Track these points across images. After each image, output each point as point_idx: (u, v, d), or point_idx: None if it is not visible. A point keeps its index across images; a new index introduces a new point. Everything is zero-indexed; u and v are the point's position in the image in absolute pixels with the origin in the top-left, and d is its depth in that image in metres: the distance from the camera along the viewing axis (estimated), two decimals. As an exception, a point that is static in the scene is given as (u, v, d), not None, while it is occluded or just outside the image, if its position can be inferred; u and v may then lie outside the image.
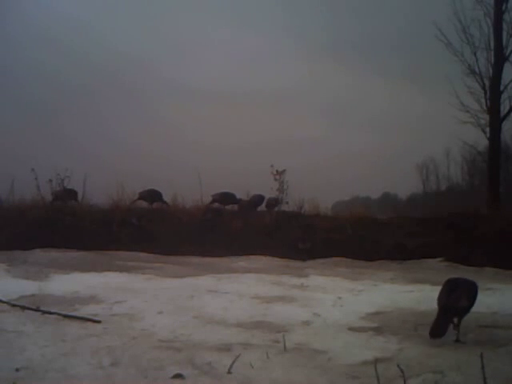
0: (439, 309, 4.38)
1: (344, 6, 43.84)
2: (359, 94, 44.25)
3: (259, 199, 12.17)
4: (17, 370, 3.52)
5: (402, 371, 3.25)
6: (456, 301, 4.33)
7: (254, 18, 45.59)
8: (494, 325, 4.98)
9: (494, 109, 14.14)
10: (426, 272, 8.78)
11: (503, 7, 14.18)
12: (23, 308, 5.24)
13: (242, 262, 9.49)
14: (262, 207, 12.17)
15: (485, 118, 14.29)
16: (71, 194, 11.93)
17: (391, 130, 43.38)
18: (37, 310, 5.14)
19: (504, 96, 14.23)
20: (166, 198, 12.14)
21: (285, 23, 46.76)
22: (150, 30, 42.24)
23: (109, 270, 7.81)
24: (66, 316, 4.97)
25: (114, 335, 4.42)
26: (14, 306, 5.34)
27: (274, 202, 11.96)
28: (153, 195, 12.00)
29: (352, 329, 4.87)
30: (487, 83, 14.30)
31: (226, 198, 12.05)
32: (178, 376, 3.51)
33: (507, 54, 14.16)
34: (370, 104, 43.36)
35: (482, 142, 15.82)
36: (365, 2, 40.49)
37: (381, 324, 5.05)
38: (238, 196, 12.14)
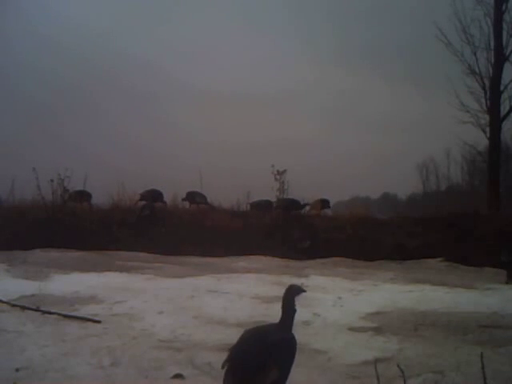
0: None
1: (344, 8, 43.94)
2: (360, 94, 44.29)
3: (268, 204, 12.05)
4: (17, 370, 3.52)
5: (402, 371, 3.24)
6: None
7: (260, 21, 45.75)
8: (494, 325, 4.98)
9: (494, 109, 14.15)
10: (426, 272, 8.78)
11: (503, 7, 14.20)
12: (23, 308, 5.24)
13: (242, 262, 9.48)
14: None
15: (485, 118, 14.31)
16: (85, 195, 12.01)
17: (391, 130, 43.43)
18: (37, 310, 5.15)
19: (504, 96, 14.27)
20: (167, 197, 12.18)
21: (288, 27, 46.85)
22: (153, 30, 42.30)
23: (109, 270, 7.81)
24: (66, 316, 4.98)
25: (113, 335, 4.42)
26: (14, 306, 5.34)
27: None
28: (154, 195, 12.01)
29: (352, 329, 4.87)
30: (487, 83, 14.31)
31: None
32: (178, 376, 3.51)
33: (507, 54, 14.17)
34: (370, 104, 43.42)
35: (482, 141, 15.86)
36: (365, 4, 40.56)
37: (381, 324, 5.05)
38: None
